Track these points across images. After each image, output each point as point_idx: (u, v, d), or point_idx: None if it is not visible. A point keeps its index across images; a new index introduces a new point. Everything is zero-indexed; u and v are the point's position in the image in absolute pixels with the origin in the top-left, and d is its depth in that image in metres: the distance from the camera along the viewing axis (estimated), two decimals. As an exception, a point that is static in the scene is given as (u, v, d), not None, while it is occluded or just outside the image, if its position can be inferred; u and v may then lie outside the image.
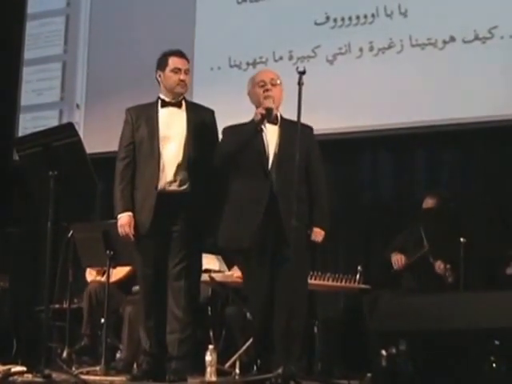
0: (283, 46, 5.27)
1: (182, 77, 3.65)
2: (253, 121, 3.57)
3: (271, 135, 3.60)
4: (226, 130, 3.66)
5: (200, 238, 3.64)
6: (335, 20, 5.19)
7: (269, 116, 3.55)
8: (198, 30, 5.57)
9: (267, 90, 3.57)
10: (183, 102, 3.70)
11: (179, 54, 3.71)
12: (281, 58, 5.27)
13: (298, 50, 5.22)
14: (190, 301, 3.58)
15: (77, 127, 3.40)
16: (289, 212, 3.39)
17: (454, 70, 4.83)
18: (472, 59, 4.79)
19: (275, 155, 3.56)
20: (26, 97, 6.16)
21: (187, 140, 3.61)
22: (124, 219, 3.58)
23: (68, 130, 3.35)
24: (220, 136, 3.71)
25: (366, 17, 5.09)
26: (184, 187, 3.59)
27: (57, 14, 6.17)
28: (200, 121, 3.68)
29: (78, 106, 5.96)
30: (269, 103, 3.53)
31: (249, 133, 3.55)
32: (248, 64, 5.40)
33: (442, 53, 4.88)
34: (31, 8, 6.29)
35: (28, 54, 6.22)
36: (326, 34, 5.19)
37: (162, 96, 3.70)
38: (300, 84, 3.35)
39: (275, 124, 3.61)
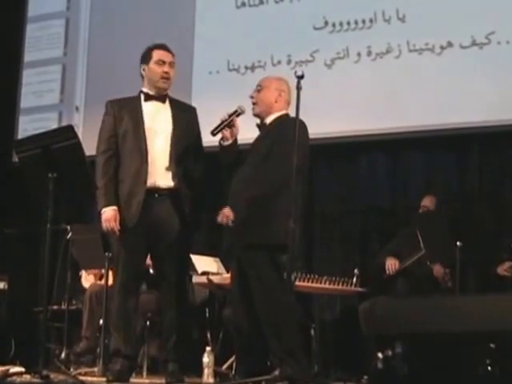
0: (282, 51, 5.29)
1: (166, 69, 3.63)
2: None
3: None
4: None
5: (189, 236, 3.62)
6: (334, 25, 5.22)
7: (217, 127, 3.49)
8: (197, 34, 5.59)
9: (251, 98, 3.63)
10: (167, 98, 3.68)
11: (164, 47, 3.69)
12: (279, 62, 5.29)
13: (297, 55, 5.24)
14: (183, 301, 3.58)
15: (76, 129, 3.40)
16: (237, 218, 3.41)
17: (451, 74, 4.85)
18: (469, 64, 4.82)
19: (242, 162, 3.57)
20: (26, 99, 6.17)
21: (173, 135, 3.59)
22: (109, 213, 3.50)
23: (67, 132, 3.35)
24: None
25: (364, 22, 5.12)
26: (173, 183, 3.56)
27: (57, 17, 6.19)
28: (184, 117, 3.67)
29: (77, 108, 5.97)
30: (224, 115, 3.53)
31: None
32: (246, 68, 5.43)
33: (439, 58, 4.91)
34: (31, 11, 6.31)
35: (28, 57, 6.23)
36: (324, 38, 5.21)
37: (146, 90, 3.67)
38: (298, 88, 3.37)
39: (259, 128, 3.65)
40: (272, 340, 3.40)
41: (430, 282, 4.32)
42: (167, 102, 3.67)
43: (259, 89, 3.62)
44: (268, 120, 3.61)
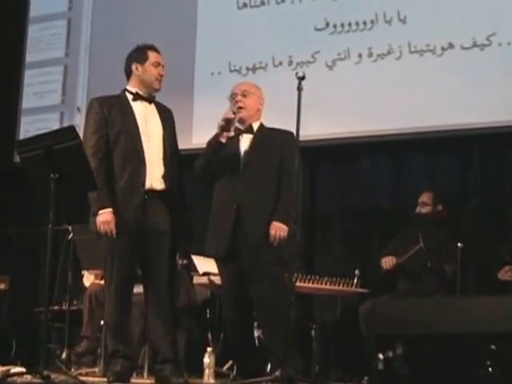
0: (283, 51, 5.29)
1: (162, 72, 3.64)
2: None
3: (245, 144, 3.68)
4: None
5: (179, 238, 3.63)
6: (335, 26, 5.22)
7: (226, 125, 3.57)
8: (199, 35, 5.60)
9: (236, 102, 3.66)
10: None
11: (156, 48, 3.69)
12: (280, 63, 5.30)
13: (298, 56, 5.24)
14: (173, 300, 3.60)
15: (78, 130, 3.41)
16: (254, 220, 3.53)
17: (452, 76, 4.85)
18: (470, 66, 4.82)
19: (243, 164, 3.63)
20: (28, 99, 6.17)
21: (164, 137, 3.60)
22: (108, 216, 3.44)
23: (69, 132, 3.35)
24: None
25: (365, 23, 5.12)
26: (166, 185, 3.56)
27: (59, 18, 6.19)
28: (168, 119, 3.68)
29: (78, 108, 5.98)
30: (227, 114, 3.59)
31: (209, 146, 3.62)
32: (248, 69, 5.43)
33: (440, 59, 4.91)
34: (33, 11, 6.31)
35: (30, 57, 6.23)
36: (325, 39, 5.21)
37: (135, 89, 3.64)
38: (299, 89, 3.38)
39: (251, 133, 3.69)
40: (273, 341, 3.42)
41: (429, 280, 4.32)
42: (152, 102, 3.67)
43: (245, 94, 3.69)
44: (254, 126, 3.70)
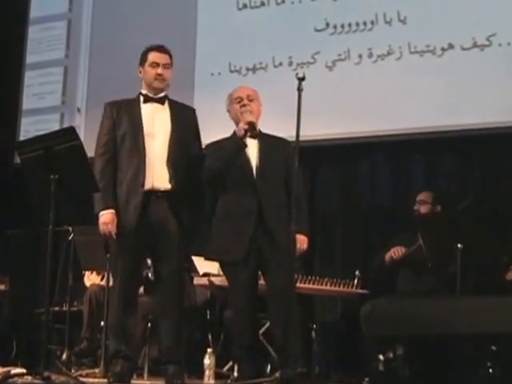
0: (283, 52, 5.30)
1: (160, 71, 3.64)
2: (234, 136, 3.62)
3: (252, 149, 3.66)
4: (209, 146, 3.72)
5: (186, 239, 3.63)
6: (335, 26, 5.23)
7: (252, 130, 3.59)
8: (199, 36, 5.60)
9: (244, 106, 3.65)
10: (166, 100, 3.69)
11: (159, 48, 3.70)
12: (280, 64, 5.30)
13: (298, 56, 5.25)
14: (179, 302, 3.59)
15: (78, 131, 3.42)
16: (276, 221, 3.54)
17: (452, 77, 4.86)
18: (470, 66, 4.83)
19: (257, 168, 3.62)
20: (28, 100, 6.18)
21: (171, 137, 3.60)
22: (108, 217, 3.49)
23: (69, 133, 3.36)
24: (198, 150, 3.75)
25: (365, 24, 5.13)
26: (169, 185, 3.56)
27: (59, 19, 6.20)
28: (183, 119, 3.68)
29: (79, 109, 5.98)
30: (249, 117, 3.60)
31: (233, 148, 3.61)
32: (248, 69, 5.44)
33: (440, 60, 4.91)
34: (33, 12, 6.31)
35: (30, 58, 6.24)
36: (325, 40, 5.22)
37: (145, 91, 3.69)
38: (299, 90, 3.39)
39: (255, 138, 3.68)
40: (286, 341, 3.41)
41: (429, 276, 4.32)
42: (166, 103, 3.68)
43: (251, 99, 3.68)
44: (258, 132, 3.69)
